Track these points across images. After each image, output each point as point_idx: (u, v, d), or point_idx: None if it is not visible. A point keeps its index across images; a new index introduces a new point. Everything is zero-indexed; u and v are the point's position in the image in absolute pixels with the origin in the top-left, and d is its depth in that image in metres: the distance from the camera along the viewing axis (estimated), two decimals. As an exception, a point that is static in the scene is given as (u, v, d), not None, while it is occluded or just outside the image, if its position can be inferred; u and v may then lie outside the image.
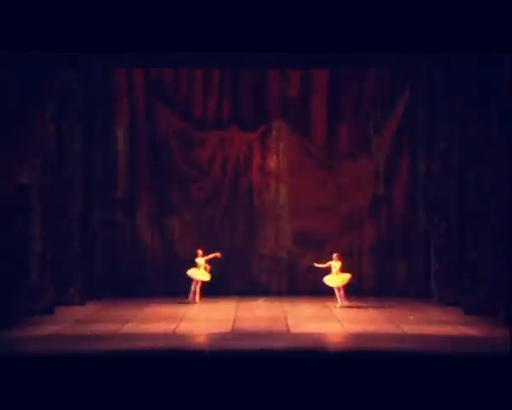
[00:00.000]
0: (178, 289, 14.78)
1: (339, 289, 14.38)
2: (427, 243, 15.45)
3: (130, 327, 12.45)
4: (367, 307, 14.35)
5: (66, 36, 10.94)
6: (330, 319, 13.20)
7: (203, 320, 13.17)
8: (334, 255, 14.42)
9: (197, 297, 14.86)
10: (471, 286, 13.51)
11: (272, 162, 16.48)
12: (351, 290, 14.65)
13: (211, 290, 15.42)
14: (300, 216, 16.41)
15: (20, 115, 12.93)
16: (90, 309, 14.34)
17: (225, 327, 12.37)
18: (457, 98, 14.18)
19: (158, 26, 10.92)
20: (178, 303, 14.64)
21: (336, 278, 14.38)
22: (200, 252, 14.91)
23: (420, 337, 11.58)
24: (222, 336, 11.76)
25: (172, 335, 11.90)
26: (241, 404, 8.41)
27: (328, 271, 14.43)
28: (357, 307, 14.35)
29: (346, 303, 14.31)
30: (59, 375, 8.80)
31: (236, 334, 11.95)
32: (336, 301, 14.40)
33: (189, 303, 14.68)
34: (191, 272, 14.82)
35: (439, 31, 10.85)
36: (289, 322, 12.90)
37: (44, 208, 13.81)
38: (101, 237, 15.90)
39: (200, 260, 14.86)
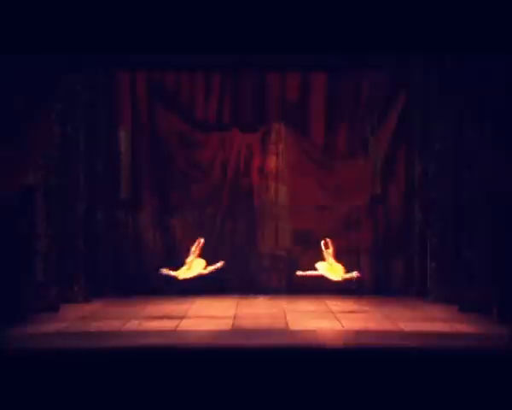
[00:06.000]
0: (179, 288, 14.91)
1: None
2: (423, 242, 15.58)
3: (133, 325, 12.64)
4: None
5: (70, 39, 11.14)
6: (329, 317, 13.38)
7: (204, 318, 13.33)
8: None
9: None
10: (466, 285, 13.70)
11: (272, 163, 16.59)
12: (350, 289, 14.81)
13: (212, 289, 15.62)
14: (300, 216, 16.51)
15: (25, 116, 13.05)
16: (94, 307, 14.52)
17: (226, 324, 12.59)
18: (453, 99, 14.28)
19: (159, 28, 11.11)
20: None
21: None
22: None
23: (416, 334, 11.79)
24: (223, 334, 11.99)
25: (174, 332, 12.12)
26: (242, 399, 8.58)
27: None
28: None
29: None
30: (63, 371, 8.99)
31: (237, 331, 12.18)
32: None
33: None
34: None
35: (437, 31, 10.99)
36: (289, 320, 13.11)
37: (49, 208, 14.00)
38: (104, 237, 16.06)
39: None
